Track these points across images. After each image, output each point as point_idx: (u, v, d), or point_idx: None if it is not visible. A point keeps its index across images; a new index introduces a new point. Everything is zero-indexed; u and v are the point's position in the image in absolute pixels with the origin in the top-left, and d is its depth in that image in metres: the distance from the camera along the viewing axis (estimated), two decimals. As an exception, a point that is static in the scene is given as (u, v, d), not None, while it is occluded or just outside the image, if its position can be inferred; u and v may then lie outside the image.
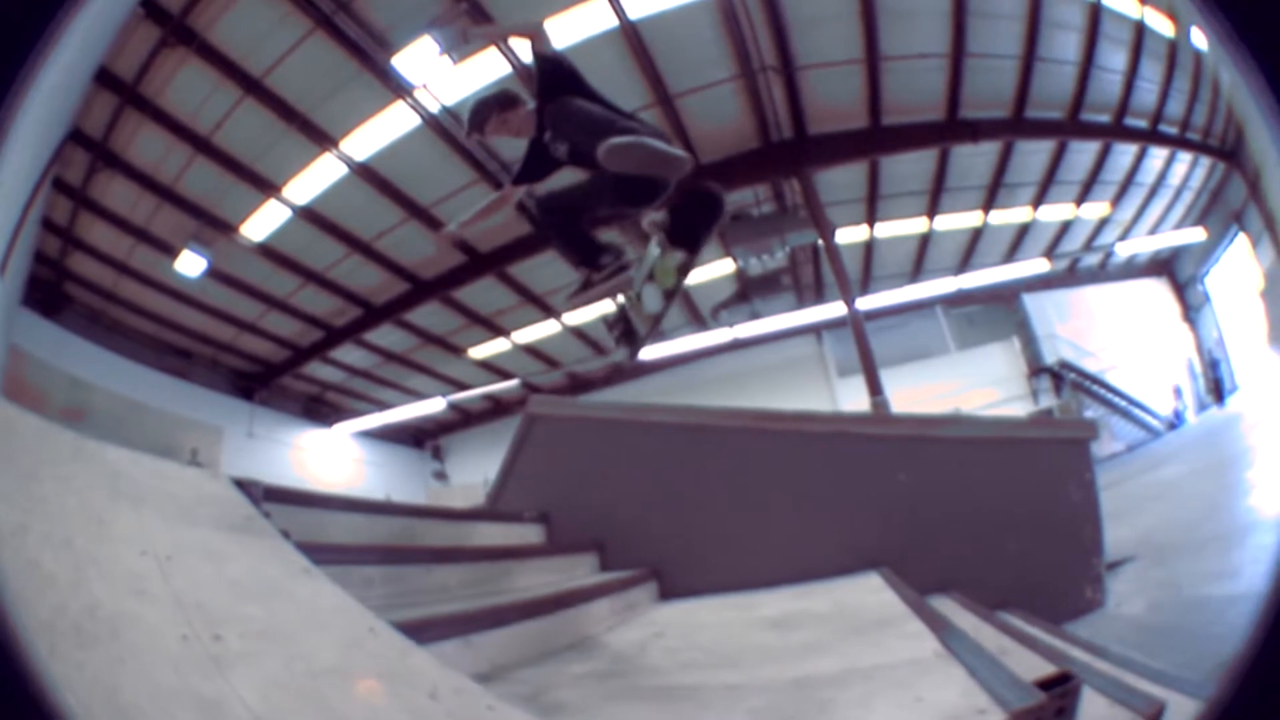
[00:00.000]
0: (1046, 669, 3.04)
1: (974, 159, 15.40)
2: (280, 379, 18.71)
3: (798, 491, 5.67)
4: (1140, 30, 13.26)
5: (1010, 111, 14.20)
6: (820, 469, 5.67)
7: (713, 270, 16.59)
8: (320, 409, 20.93)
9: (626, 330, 4.28)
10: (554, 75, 4.24)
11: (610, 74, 10.99)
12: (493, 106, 4.35)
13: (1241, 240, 17.86)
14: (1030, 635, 3.98)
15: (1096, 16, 12.79)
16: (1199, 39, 13.07)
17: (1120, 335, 21.07)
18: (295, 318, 16.39)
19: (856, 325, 13.36)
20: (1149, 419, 19.65)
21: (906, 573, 4.84)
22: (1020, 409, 19.56)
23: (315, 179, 12.53)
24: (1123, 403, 19.73)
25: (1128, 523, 7.89)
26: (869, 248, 17.85)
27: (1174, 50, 13.75)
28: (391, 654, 2.17)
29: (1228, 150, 16.41)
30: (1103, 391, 19.91)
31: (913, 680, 2.55)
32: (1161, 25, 13.26)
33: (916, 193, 16.23)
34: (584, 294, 4.30)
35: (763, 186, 14.49)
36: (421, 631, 2.51)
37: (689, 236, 4.39)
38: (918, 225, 17.48)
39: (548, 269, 15.25)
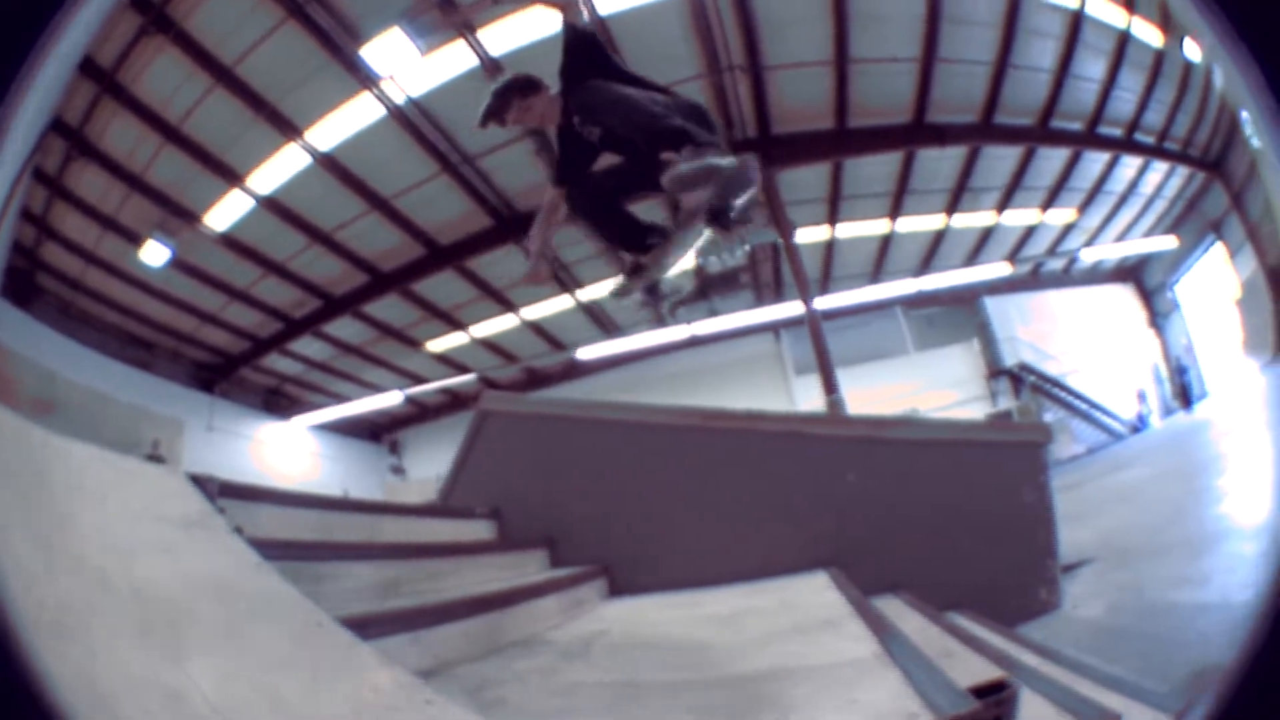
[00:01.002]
0: (992, 673, 3.04)
1: (939, 162, 15.50)
2: (240, 371, 18.56)
3: (748, 490, 5.71)
4: (1124, 40, 13.38)
5: (979, 116, 14.33)
6: (771, 468, 5.71)
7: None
8: (279, 402, 20.77)
9: (702, 285, 4.02)
10: (583, 52, 3.88)
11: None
12: (514, 92, 3.99)
13: (1218, 249, 18.14)
14: (978, 638, 4.00)
15: (1078, 25, 12.89)
16: (1191, 50, 13.20)
17: (1083, 339, 21.27)
18: (255, 309, 16.29)
19: (813, 324, 13.44)
20: (1111, 422, 19.90)
21: (857, 572, 4.87)
22: (979, 410, 19.84)
23: (279, 169, 12.48)
24: (1083, 405, 20.01)
25: (1088, 525, 7.98)
26: (830, 248, 17.88)
27: (1159, 60, 13.90)
28: (338, 648, 2.26)
29: (1211, 160, 16.61)
30: (1063, 394, 20.18)
31: (849, 681, 2.60)
32: (1149, 35, 13.36)
33: (880, 194, 16.32)
34: (636, 279, 4.03)
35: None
36: (368, 627, 2.57)
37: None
38: (880, 226, 17.54)
39: (506, 263, 15.22)
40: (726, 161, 3.40)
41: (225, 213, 13.19)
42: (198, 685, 1.64)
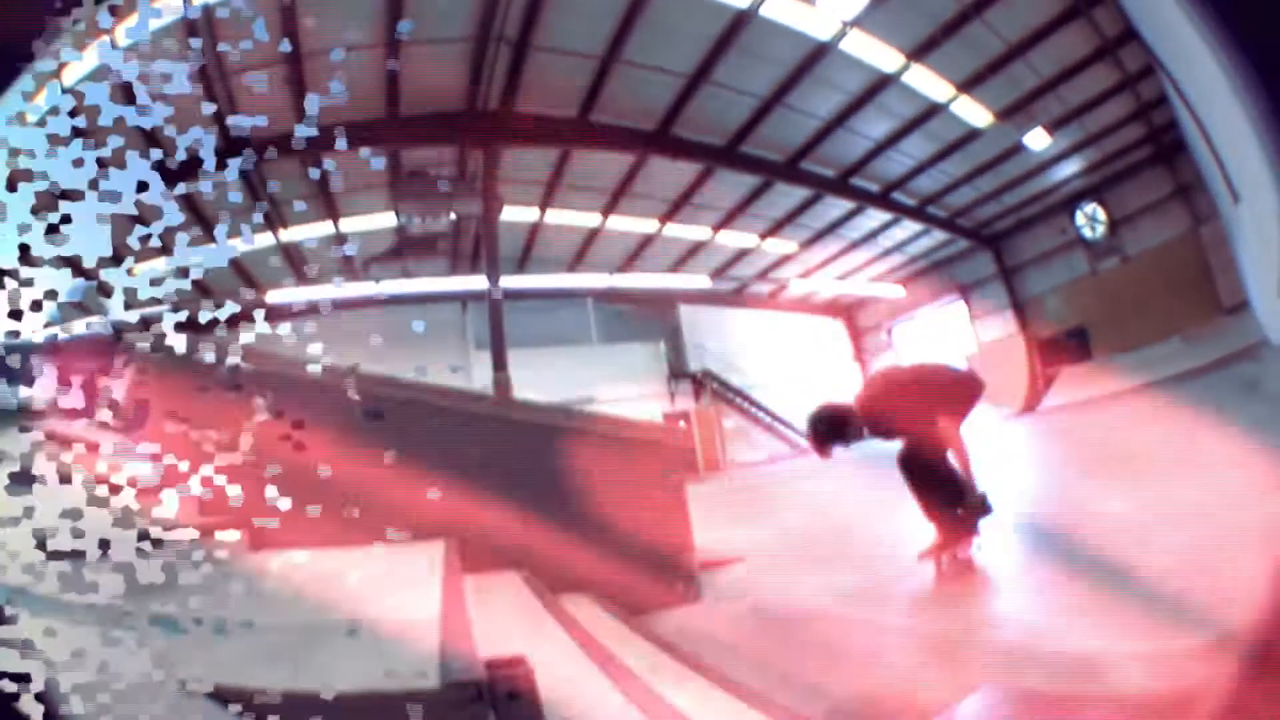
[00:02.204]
0: (574, 655, 3.48)
1: (670, 173, 15.63)
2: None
3: (390, 456, 5.79)
4: (933, 111, 13.94)
5: (727, 141, 14.69)
6: (406, 435, 5.81)
7: (373, 221, 16.10)
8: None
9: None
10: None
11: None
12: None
13: (956, 309, 20.02)
14: (580, 624, 4.42)
15: (880, 88, 13.36)
16: (1036, 139, 14.46)
17: (779, 359, 22.01)
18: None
19: (493, 301, 13.75)
20: (796, 436, 21.05)
21: (479, 546, 5.15)
22: (655, 408, 20.30)
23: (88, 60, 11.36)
24: (766, 417, 21.12)
25: (754, 527, 8.64)
26: (535, 230, 17.43)
27: (969, 137, 14.67)
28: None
29: (987, 236, 18.16)
30: (746, 404, 21.22)
31: (394, 640, 2.95)
32: (973, 115, 14.01)
33: (601, 189, 16.23)
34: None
35: (449, 149, 14.16)
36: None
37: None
38: (591, 220, 17.34)
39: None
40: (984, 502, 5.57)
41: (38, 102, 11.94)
42: None
